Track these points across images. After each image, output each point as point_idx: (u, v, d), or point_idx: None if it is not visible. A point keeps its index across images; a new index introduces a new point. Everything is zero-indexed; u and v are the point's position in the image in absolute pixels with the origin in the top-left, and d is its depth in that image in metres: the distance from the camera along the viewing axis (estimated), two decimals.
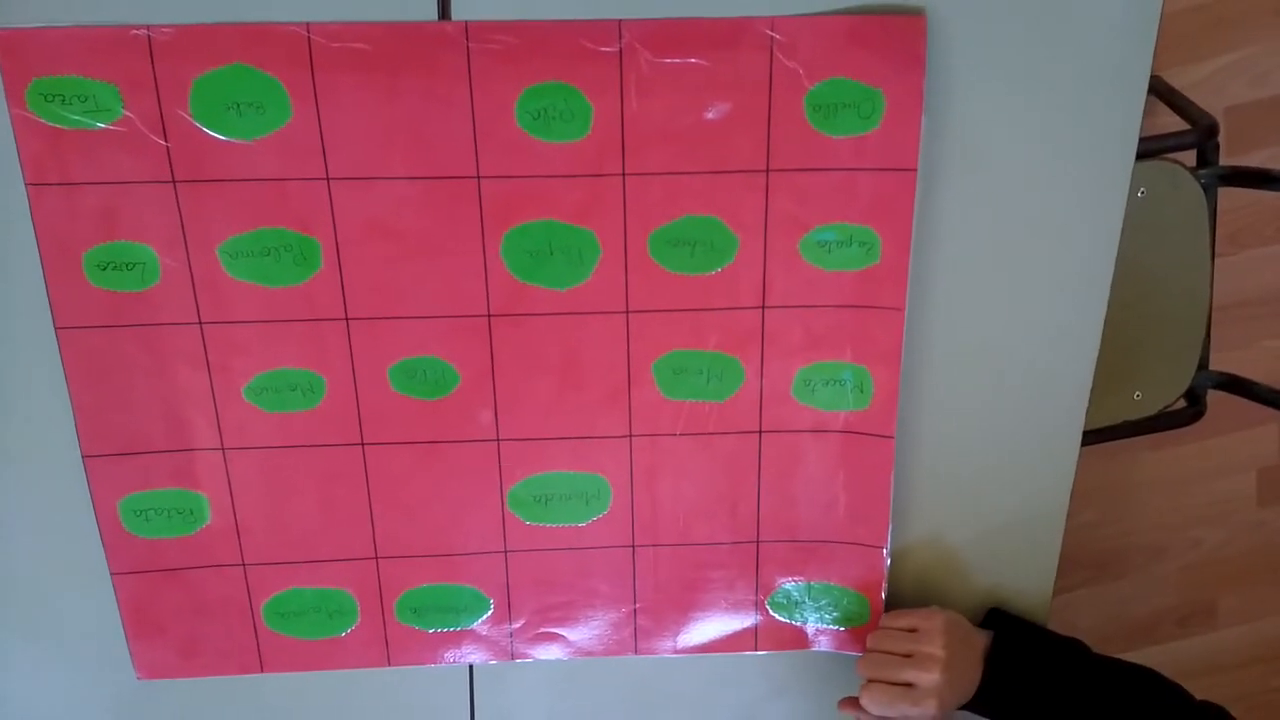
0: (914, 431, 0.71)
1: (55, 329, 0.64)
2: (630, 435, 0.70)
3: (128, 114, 0.60)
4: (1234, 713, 0.68)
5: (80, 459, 0.67)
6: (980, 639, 0.71)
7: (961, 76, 0.63)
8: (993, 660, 0.69)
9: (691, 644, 0.76)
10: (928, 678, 0.67)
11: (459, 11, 0.60)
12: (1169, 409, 1.16)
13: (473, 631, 0.75)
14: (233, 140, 0.61)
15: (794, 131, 0.62)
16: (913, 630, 0.71)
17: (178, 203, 0.62)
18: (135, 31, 0.58)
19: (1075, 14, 0.62)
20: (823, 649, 0.77)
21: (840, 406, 0.70)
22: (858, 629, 0.76)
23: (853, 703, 0.72)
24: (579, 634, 0.76)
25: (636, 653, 0.76)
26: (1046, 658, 0.70)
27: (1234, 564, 1.75)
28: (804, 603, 0.75)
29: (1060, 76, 0.63)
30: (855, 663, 0.72)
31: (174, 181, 0.62)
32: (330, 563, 0.72)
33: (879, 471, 0.71)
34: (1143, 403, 1.14)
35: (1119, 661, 0.70)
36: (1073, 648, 0.71)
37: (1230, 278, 1.53)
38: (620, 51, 0.60)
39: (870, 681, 0.70)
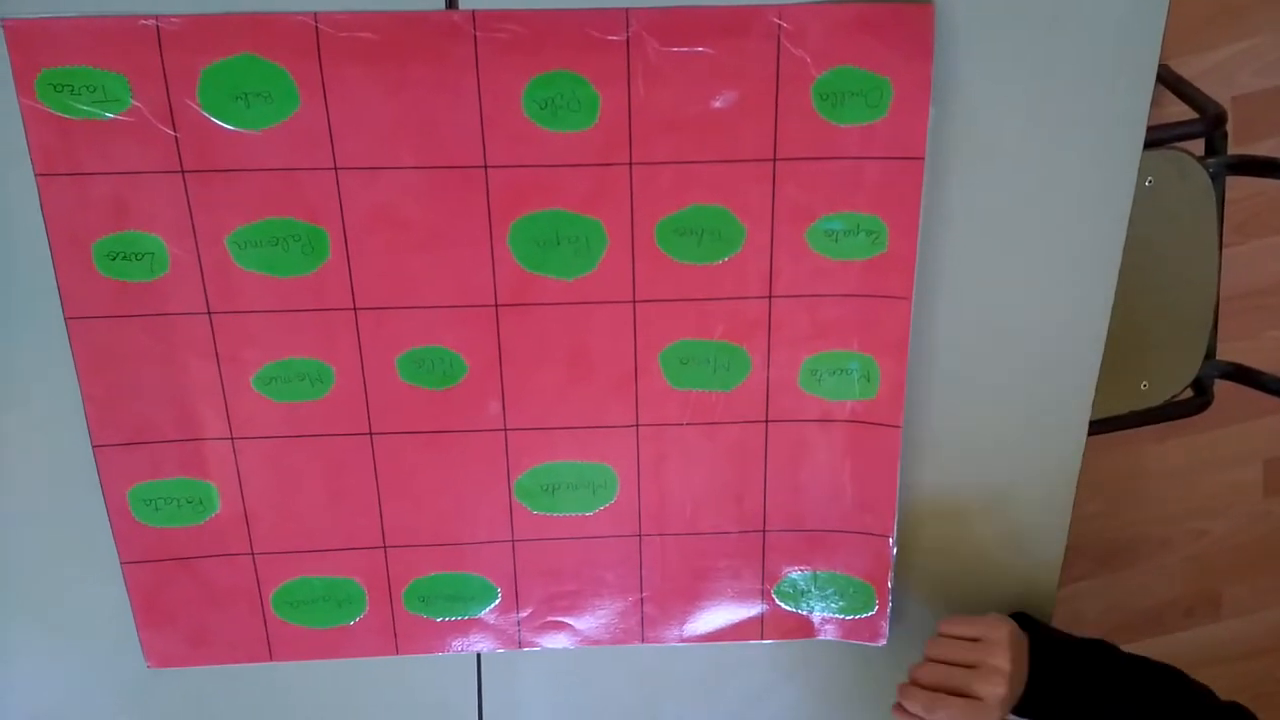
0: (920, 421, 0.71)
1: (65, 319, 0.65)
2: (637, 425, 0.70)
3: (136, 104, 0.60)
4: (1239, 703, 0.68)
5: (90, 448, 0.68)
6: (1026, 644, 0.69)
7: (969, 65, 0.63)
8: (1035, 666, 0.67)
9: (698, 633, 0.77)
10: (993, 691, 0.65)
11: (466, 1, 0.60)
12: (1176, 399, 1.15)
13: (480, 620, 0.75)
14: (241, 130, 0.61)
15: (801, 120, 0.62)
16: (975, 639, 0.68)
17: (186, 193, 0.62)
18: (144, 22, 0.58)
19: (1083, 2, 0.62)
20: (829, 638, 0.77)
21: (847, 396, 0.70)
22: (864, 618, 0.76)
23: (902, 710, 0.69)
24: (586, 623, 0.76)
25: (643, 641, 0.77)
26: (1081, 660, 0.69)
27: (1240, 554, 1.75)
28: (810, 592, 0.76)
29: (1068, 65, 0.63)
30: (910, 669, 0.70)
31: (183, 171, 0.62)
32: (339, 552, 0.72)
33: (885, 461, 0.71)
34: (1149, 393, 1.14)
35: (1146, 660, 0.69)
36: (1102, 649, 0.70)
37: (1238, 267, 1.52)
38: (627, 40, 0.60)
39: (924, 690, 0.68)
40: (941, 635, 0.70)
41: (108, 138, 0.61)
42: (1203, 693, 0.68)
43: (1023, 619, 0.74)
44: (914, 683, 0.69)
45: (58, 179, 0.61)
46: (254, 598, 0.73)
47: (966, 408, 0.72)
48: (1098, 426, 0.74)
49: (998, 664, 0.66)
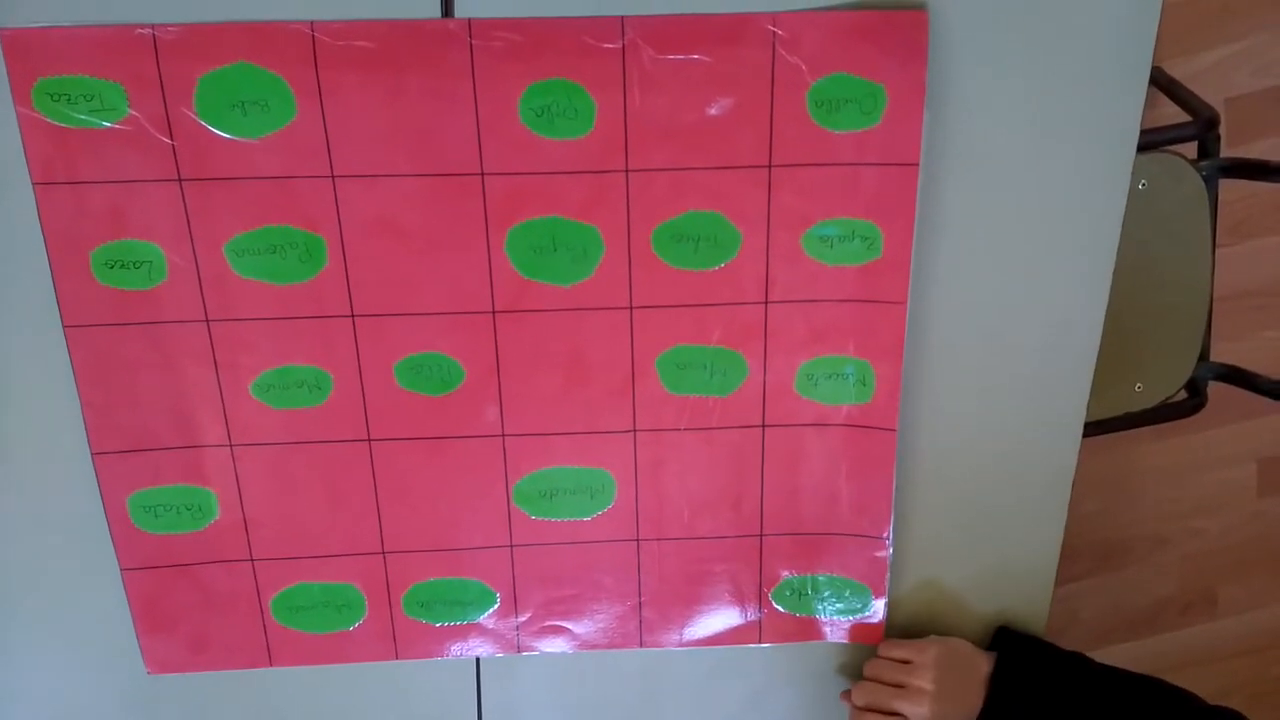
0: (916, 424, 0.72)
1: (63, 327, 0.65)
2: (634, 430, 0.70)
3: (133, 113, 0.60)
4: (1234, 701, 0.69)
5: (89, 456, 0.68)
6: (982, 664, 0.72)
7: (963, 71, 0.63)
8: (995, 685, 0.71)
9: (696, 637, 0.77)
10: (916, 711, 0.70)
11: (462, 9, 0.60)
12: (1170, 400, 1.16)
13: (479, 625, 0.75)
14: (238, 138, 0.61)
15: (796, 127, 0.63)
16: (907, 661, 0.73)
17: (184, 201, 0.62)
18: (140, 31, 0.59)
19: (1076, 7, 0.62)
20: (827, 640, 0.77)
21: (843, 400, 0.70)
22: (861, 620, 0.76)
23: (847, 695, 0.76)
24: (584, 627, 0.76)
25: (641, 646, 0.77)
26: (1050, 678, 0.71)
27: (1234, 553, 1.75)
28: (807, 594, 0.76)
29: (1061, 69, 0.64)
30: (851, 689, 0.75)
31: (180, 180, 0.62)
32: (338, 558, 0.72)
33: (881, 464, 0.71)
34: (1144, 394, 1.14)
35: (1125, 673, 0.71)
36: (1077, 664, 0.72)
37: (1231, 269, 1.53)
38: (623, 48, 0.61)
39: (861, 709, 0.73)
40: (878, 656, 0.75)
41: (105, 146, 0.61)
42: (1186, 699, 0.69)
43: (1003, 635, 0.76)
44: (852, 700, 0.74)
45: (55, 188, 0.62)
46: (253, 604, 0.73)
47: (962, 411, 0.72)
48: (1092, 429, 0.74)
49: (921, 685, 0.71)
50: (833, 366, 0.69)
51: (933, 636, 0.75)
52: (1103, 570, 1.72)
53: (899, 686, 0.72)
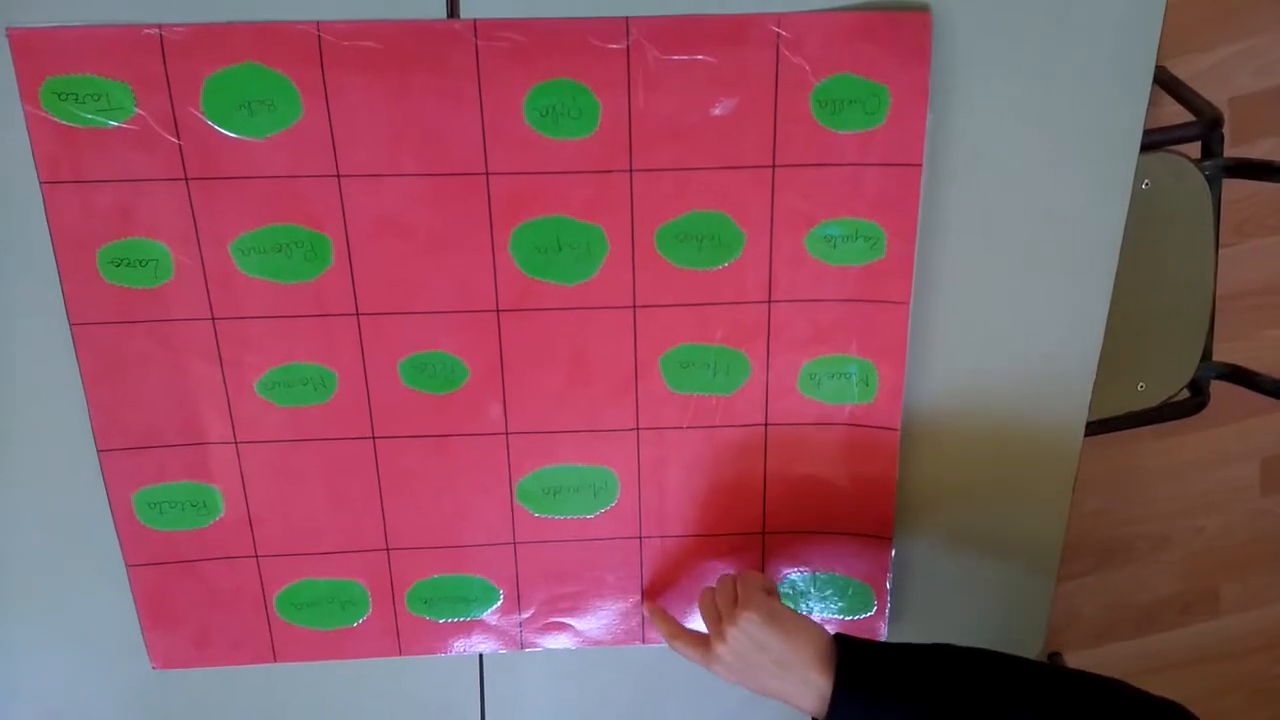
0: (919, 423, 0.72)
1: (70, 325, 0.65)
2: (638, 428, 0.71)
3: (140, 112, 0.60)
4: (1235, 700, 0.68)
5: (95, 453, 0.68)
6: (818, 680, 0.61)
7: (966, 71, 0.63)
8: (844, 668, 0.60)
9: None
10: (720, 649, 0.64)
11: (468, 10, 0.60)
12: (1172, 399, 1.16)
13: (482, 621, 0.76)
14: (244, 138, 0.61)
15: (800, 127, 0.63)
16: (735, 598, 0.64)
17: (190, 200, 0.63)
18: (148, 31, 0.59)
19: (1080, 7, 0.62)
20: None
21: (845, 400, 0.70)
22: (862, 618, 0.76)
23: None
24: (587, 624, 0.76)
25: (644, 642, 0.77)
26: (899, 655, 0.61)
27: (1237, 552, 1.75)
28: (809, 593, 0.76)
29: (1065, 70, 0.64)
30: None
31: (186, 179, 0.62)
32: (342, 554, 0.73)
33: (884, 464, 0.71)
34: (1146, 394, 1.14)
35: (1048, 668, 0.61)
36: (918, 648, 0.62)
37: (1234, 268, 1.53)
38: (628, 48, 0.61)
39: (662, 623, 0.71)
40: (729, 578, 0.67)
41: (112, 145, 0.61)
42: (1115, 689, 0.58)
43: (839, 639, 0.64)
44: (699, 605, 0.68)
45: (62, 186, 0.62)
46: (258, 600, 0.74)
47: (964, 410, 0.72)
48: (1094, 427, 0.74)
49: (730, 629, 0.63)
50: (835, 366, 0.69)
51: (779, 604, 0.64)
52: (1105, 568, 1.72)
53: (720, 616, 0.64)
